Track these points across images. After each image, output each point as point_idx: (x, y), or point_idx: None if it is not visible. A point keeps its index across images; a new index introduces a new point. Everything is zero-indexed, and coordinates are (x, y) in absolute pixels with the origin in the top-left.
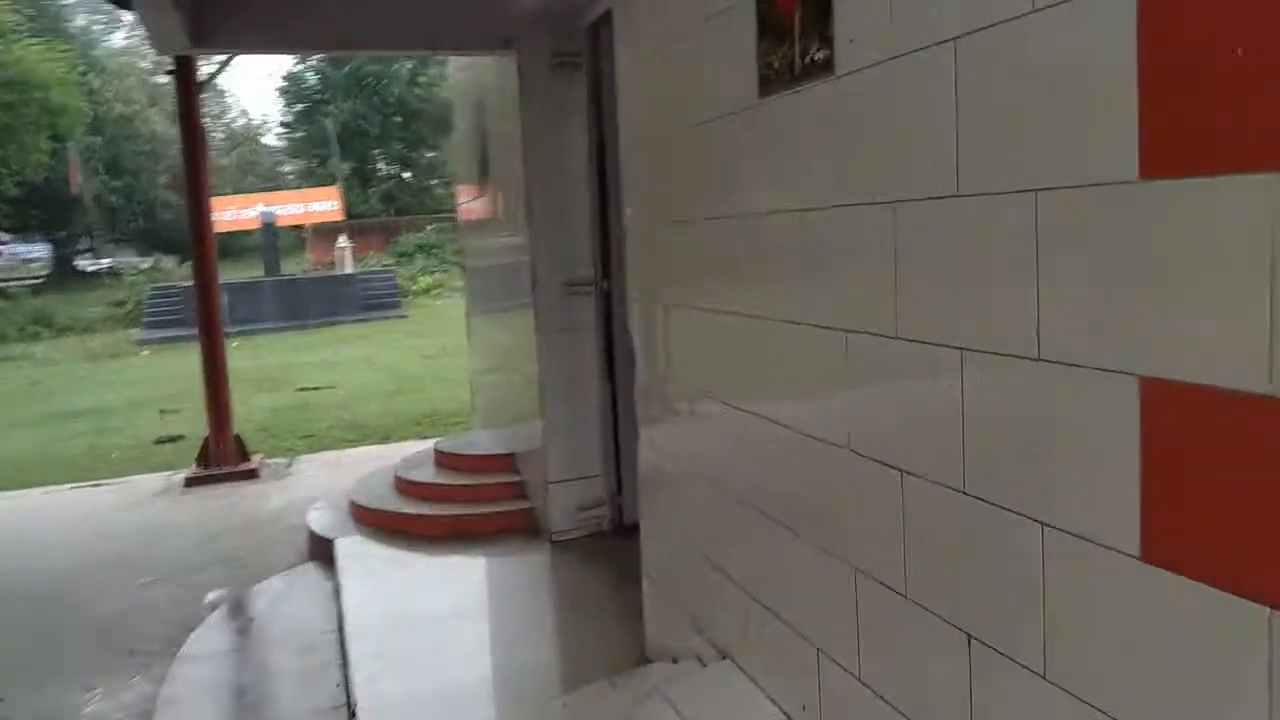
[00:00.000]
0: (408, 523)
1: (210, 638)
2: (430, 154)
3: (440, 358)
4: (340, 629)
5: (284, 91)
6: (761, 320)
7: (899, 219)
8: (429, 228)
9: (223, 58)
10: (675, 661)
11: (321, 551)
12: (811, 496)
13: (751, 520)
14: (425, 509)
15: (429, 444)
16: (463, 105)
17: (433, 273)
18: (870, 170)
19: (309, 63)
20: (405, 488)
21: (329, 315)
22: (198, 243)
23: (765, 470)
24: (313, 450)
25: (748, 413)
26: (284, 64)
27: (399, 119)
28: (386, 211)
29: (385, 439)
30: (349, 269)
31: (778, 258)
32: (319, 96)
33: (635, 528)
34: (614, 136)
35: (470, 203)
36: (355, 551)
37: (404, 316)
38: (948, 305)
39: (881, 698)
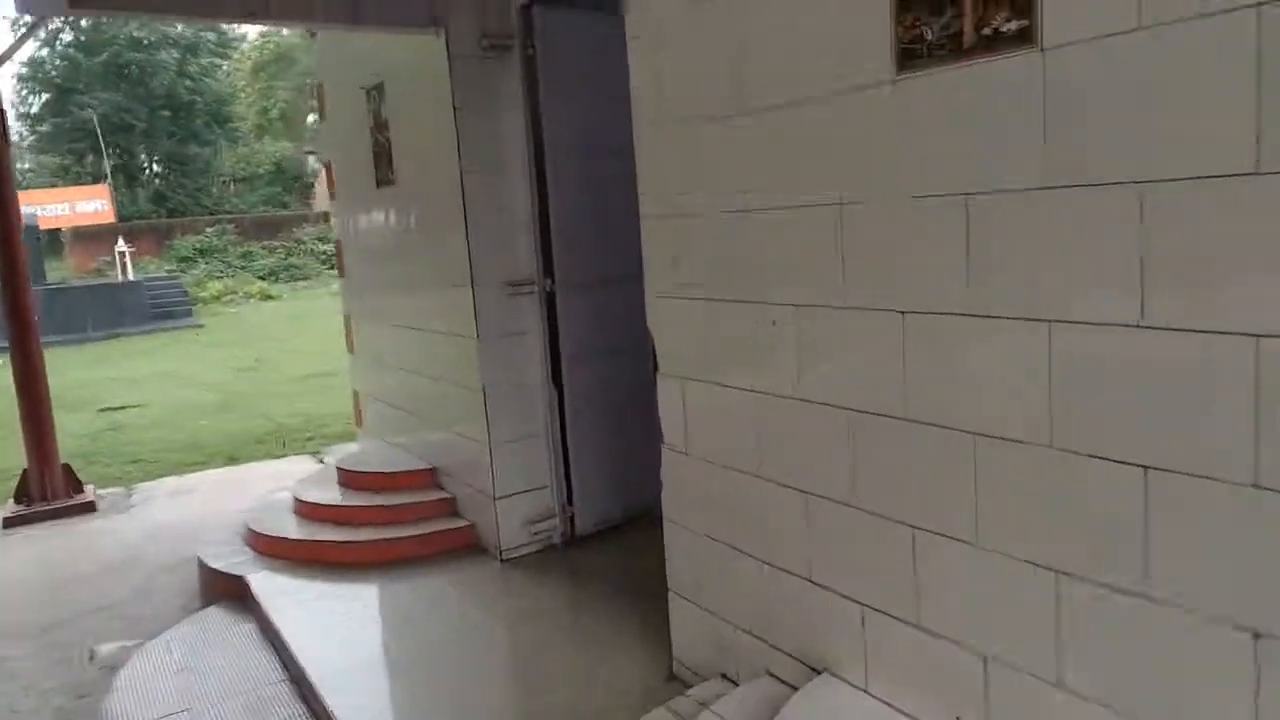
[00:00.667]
0: (328, 551)
1: (128, 706)
2: (203, 149)
3: (257, 370)
4: (295, 679)
5: (25, 79)
6: (944, 317)
7: (1148, 202)
8: (209, 230)
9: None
10: (725, 678)
11: (227, 590)
12: (979, 495)
13: (865, 528)
14: (344, 534)
15: (294, 464)
16: (342, 89)
17: (220, 278)
18: (1099, 148)
19: (56, 47)
20: (311, 512)
21: (111, 327)
22: (4, 243)
23: (889, 470)
24: (149, 477)
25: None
26: (26, 49)
27: (167, 112)
28: (158, 213)
29: (232, 460)
30: (129, 275)
31: (924, 243)
32: (70, 86)
33: (589, 539)
34: (552, 126)
35: (359, 199)
36: (277, 588)
37: (199, 326)
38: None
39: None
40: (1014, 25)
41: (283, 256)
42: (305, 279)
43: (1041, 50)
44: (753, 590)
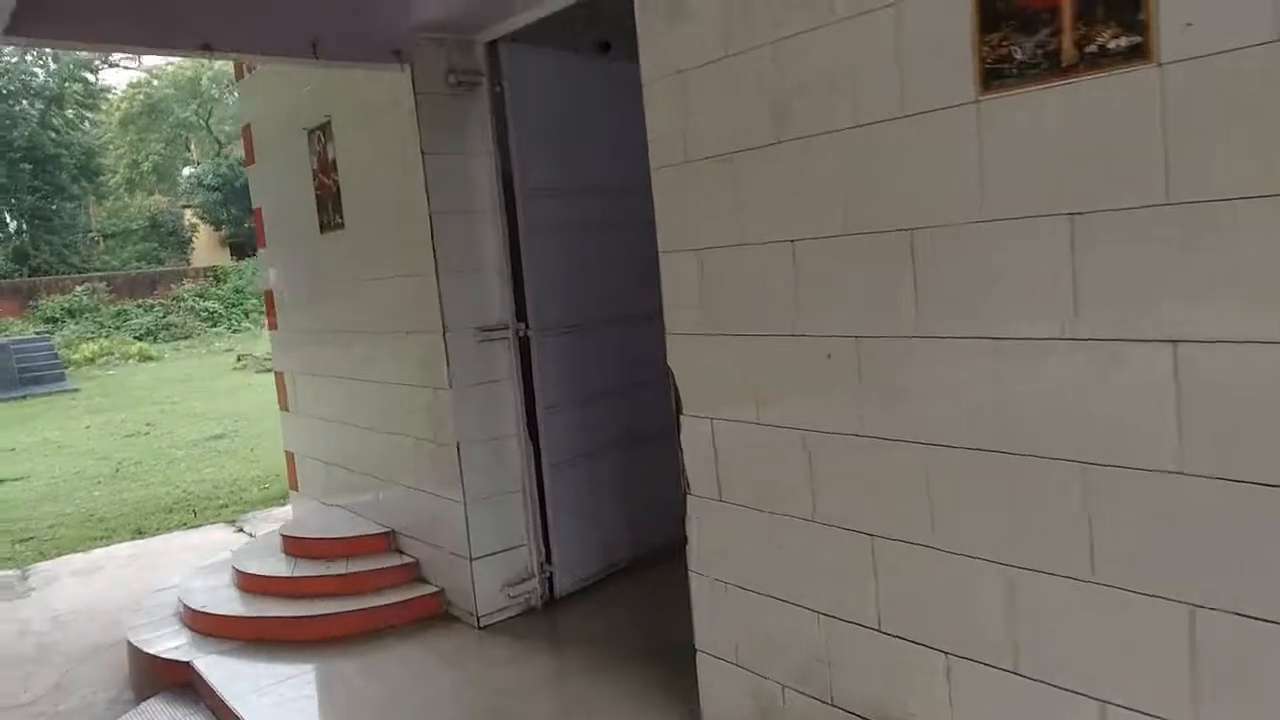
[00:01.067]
0: (283, 628)
1: None
2: (70, 204)
3: (148, 435)
4: None
5: None
6: (1045, 343)
7: None
8: (78, 288)
9: None
10: None
11: (169, 679)
12: (1094, 528)
13: (948, 570)
14: (299, 608)
15: (211, 534)
16: (276, 130)
17: (93, 338)
18: (1227, 163)
19: None
20: (257, 585)
21: None
22: None
23: (978, 507)
24: (45, 556)
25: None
26: None
27: (29, 165)
28: (20, 271)
29: (139, 533)
30: None
31: (1017, 266)
32: None
33: (570, 599)
34: (523, 166)
35: (297, 246)
36: (232, 673)
37: (74, 390)
38: None
39: None
40: (1124, 42)
41: (161, 315)
42: (186, 338)
43: (1159, 65)
44: (805, 644)
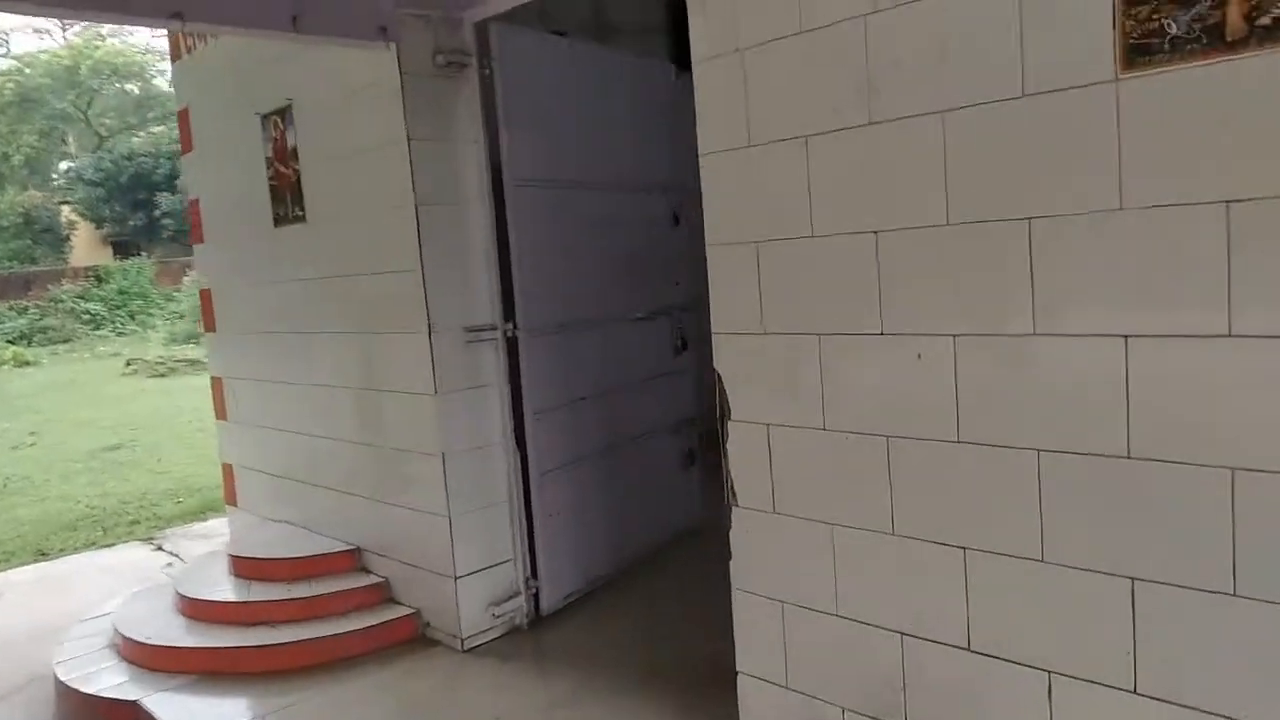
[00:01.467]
0: (243, 658)
1: None
2: None
3: (34, 446)
4: None
5: None
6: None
7: None
8: None
9: None
10: None
11: (107, 718)
12: (1237, 537)
13: (1060, 584)
14: (259, 637)
15: (126, 553)
16: (220, 115)
17: None
18: None
19: None
20: (207, 612)
21: None
22: None
23: (1101, 518)
24: None
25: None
26: None
27: None
28: None
29: (42, 554)
30: None
31: (1165, 255)
32: None
33: (556, 616)
34: (512, 156)
35: (245, 240)
36: (188, 712)
37: None
38: None
39: None
40: None
41: (36, 317)
42: (65, 341)
43: None
44: (875, 665)
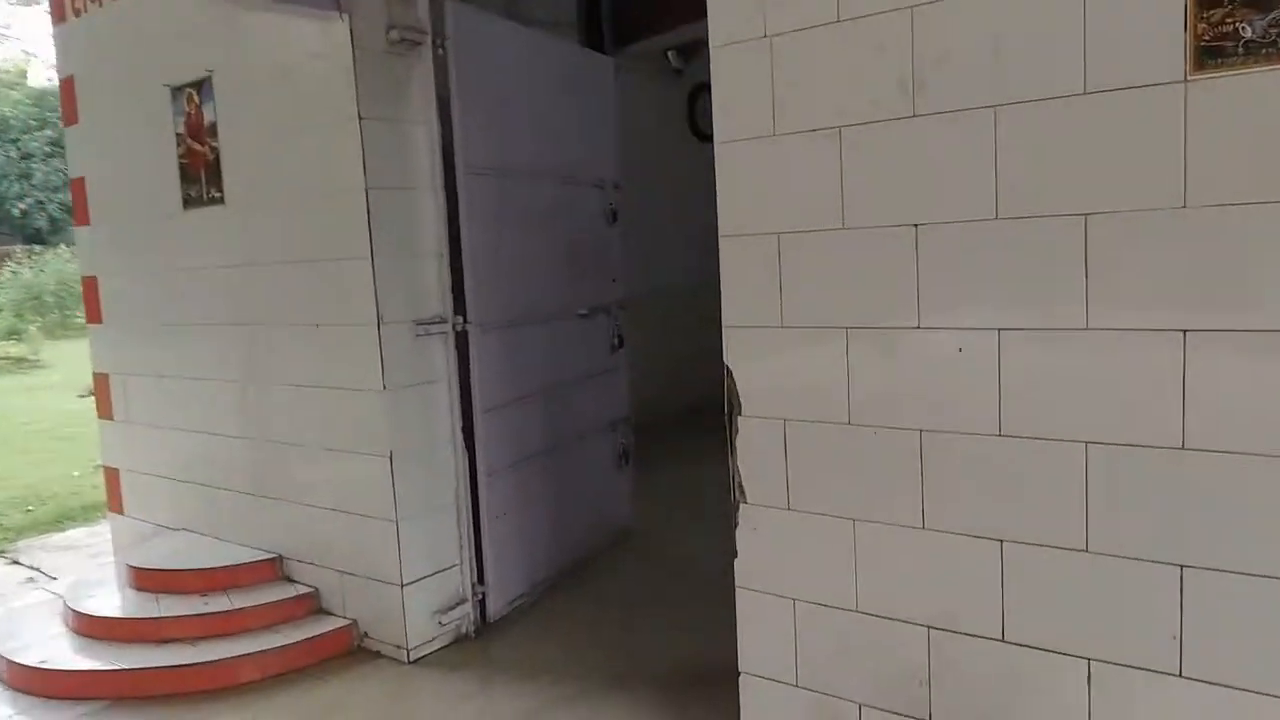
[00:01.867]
0: (158, 681)
1: None
2: None
3: None
4: None
5: None
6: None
7: None
8: None
9: None
10: None
11: None
12: None
13: (1106, 574)
14: (176, 655)
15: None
16: (116, 85)
17: None
18: None
19: None
20: (111, 630)
21: None
22: None
23: (1150, 507)
24: None
25: None
26: None
27: None
28: None
29: None
30: None
31: (1231, 253)
32: None
33: (503, 622)
34: (464, 141)
35: (144, 224)
36: None
37: None
38: None
39: None
40: None
41: None
42: None
43: None
44: (899, 659)
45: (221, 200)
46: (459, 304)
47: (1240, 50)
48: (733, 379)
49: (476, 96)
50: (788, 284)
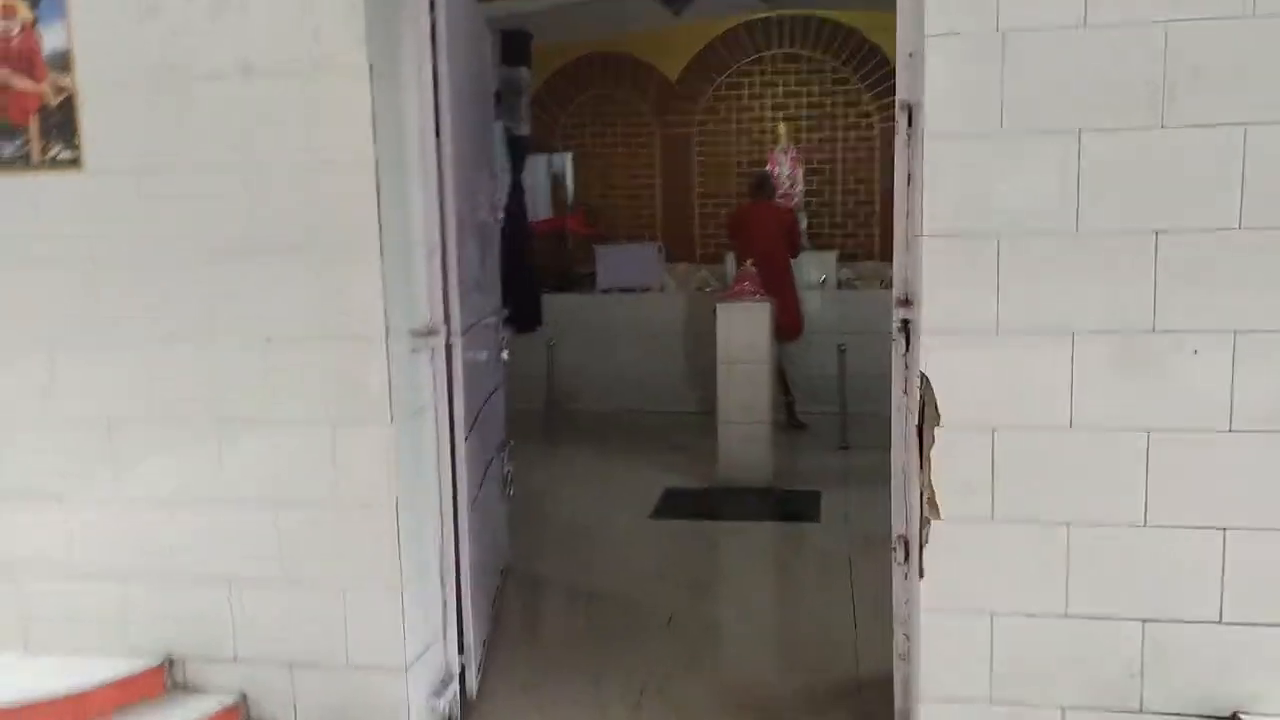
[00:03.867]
0: None
1: None
2: None
3: None
4: None
5: None
6: None
7: None
8: None
9: None
10: None
11: None
12: None
13: None
14: None
15: None
16: None
17: None
18: None
19: None
20: None
21: None
22: None
23: None
24: None
25: None
26: None
27: None
28: None
29: None
30: None
31: None
32: None
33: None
34: (449, 108)
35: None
36: None
37: None
38: None
39: None
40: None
41: None
42: None
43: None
44: (1114, 657)
45: (76, 164)
46: (447, 309)
47: None
48: (929, 388)
49: (455, 50)
50: (1007, 287)
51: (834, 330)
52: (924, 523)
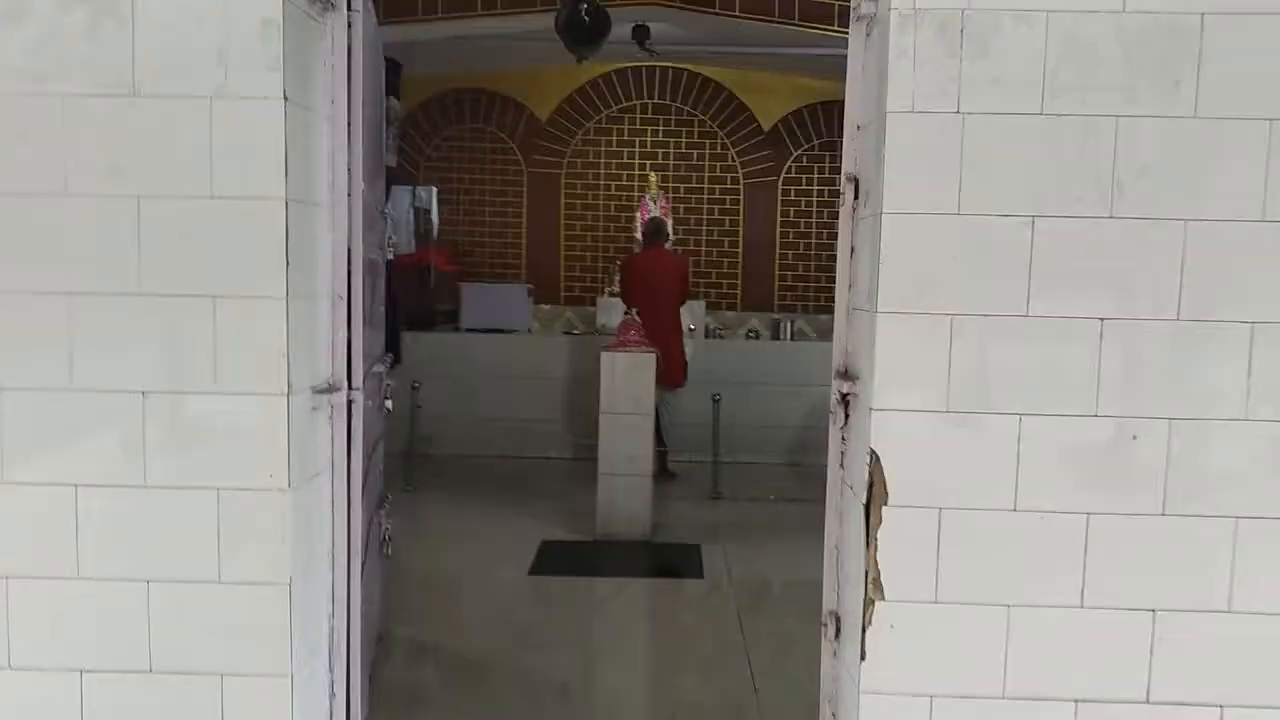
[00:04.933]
0: None
1: None
2: None
3: None
4: None
5: None
6: None
7: None
8: None
9: None
10: None
11: None
12: None
13: None
14: None
15: None
16: None
17: None
18: None
19: None
20: None
21: None
22: None
23: None
24: None
25: None
26: None
27: None
28: None
29: None
30: None
31: None
32: None
33: None
34: (365, 140)
35: None
36: None
37: None
38: None
39: None
40: None
41: None
42: None
43: None
44: None
45: None
46: (349, 363)
47: None
48: (880, 466)
49: (365, 78)
50: (957, 368)
51: (705, 379)
52: (868, 603)
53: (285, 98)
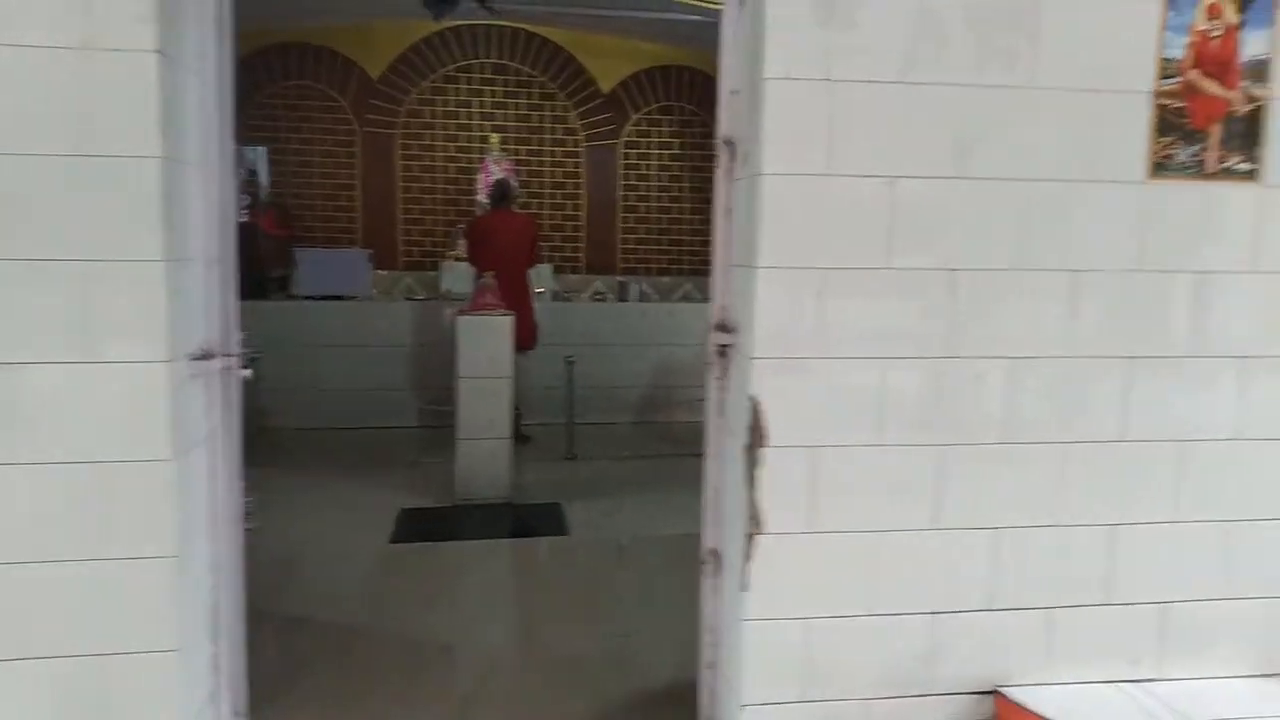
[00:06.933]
0: None
1: None
2: None
3: None
4: None
5: None
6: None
7: None
8: None
9: None
10: None
11: None
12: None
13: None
14: None
15: None
16: None
17: None
18: None
19: None
20: None
21: None
22: None
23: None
24: None
25: None
26: None
27: None
28: None
29: None
30: None
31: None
32: None
33: None
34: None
35: None
36: None
37: None
38: None
39: None
40: (1245, 165)
41: None
42: None
43: (1265, 186)
44: (904, 648)
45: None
46: (226, 329)
47: (1175, 168)
48: (758, 411)
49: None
50: (831, 317)
51: (557, 342)
52: (749, 538)
53: (158, 50)
